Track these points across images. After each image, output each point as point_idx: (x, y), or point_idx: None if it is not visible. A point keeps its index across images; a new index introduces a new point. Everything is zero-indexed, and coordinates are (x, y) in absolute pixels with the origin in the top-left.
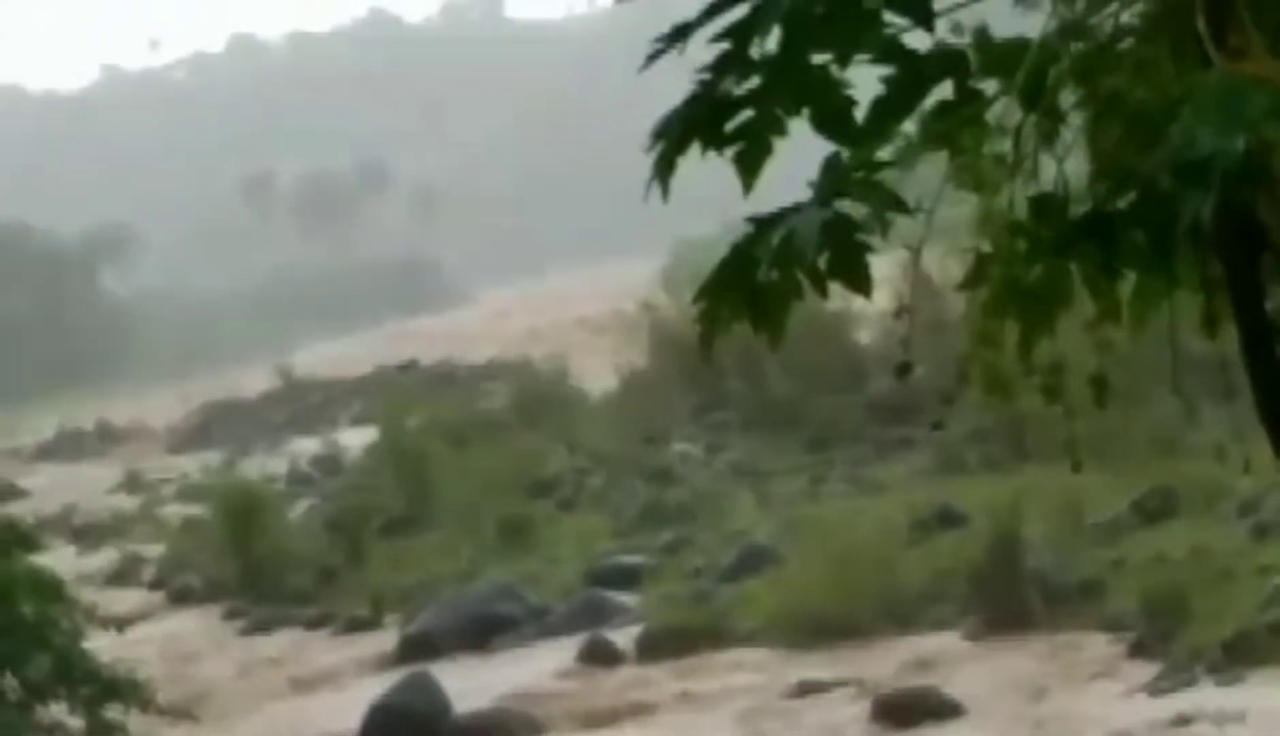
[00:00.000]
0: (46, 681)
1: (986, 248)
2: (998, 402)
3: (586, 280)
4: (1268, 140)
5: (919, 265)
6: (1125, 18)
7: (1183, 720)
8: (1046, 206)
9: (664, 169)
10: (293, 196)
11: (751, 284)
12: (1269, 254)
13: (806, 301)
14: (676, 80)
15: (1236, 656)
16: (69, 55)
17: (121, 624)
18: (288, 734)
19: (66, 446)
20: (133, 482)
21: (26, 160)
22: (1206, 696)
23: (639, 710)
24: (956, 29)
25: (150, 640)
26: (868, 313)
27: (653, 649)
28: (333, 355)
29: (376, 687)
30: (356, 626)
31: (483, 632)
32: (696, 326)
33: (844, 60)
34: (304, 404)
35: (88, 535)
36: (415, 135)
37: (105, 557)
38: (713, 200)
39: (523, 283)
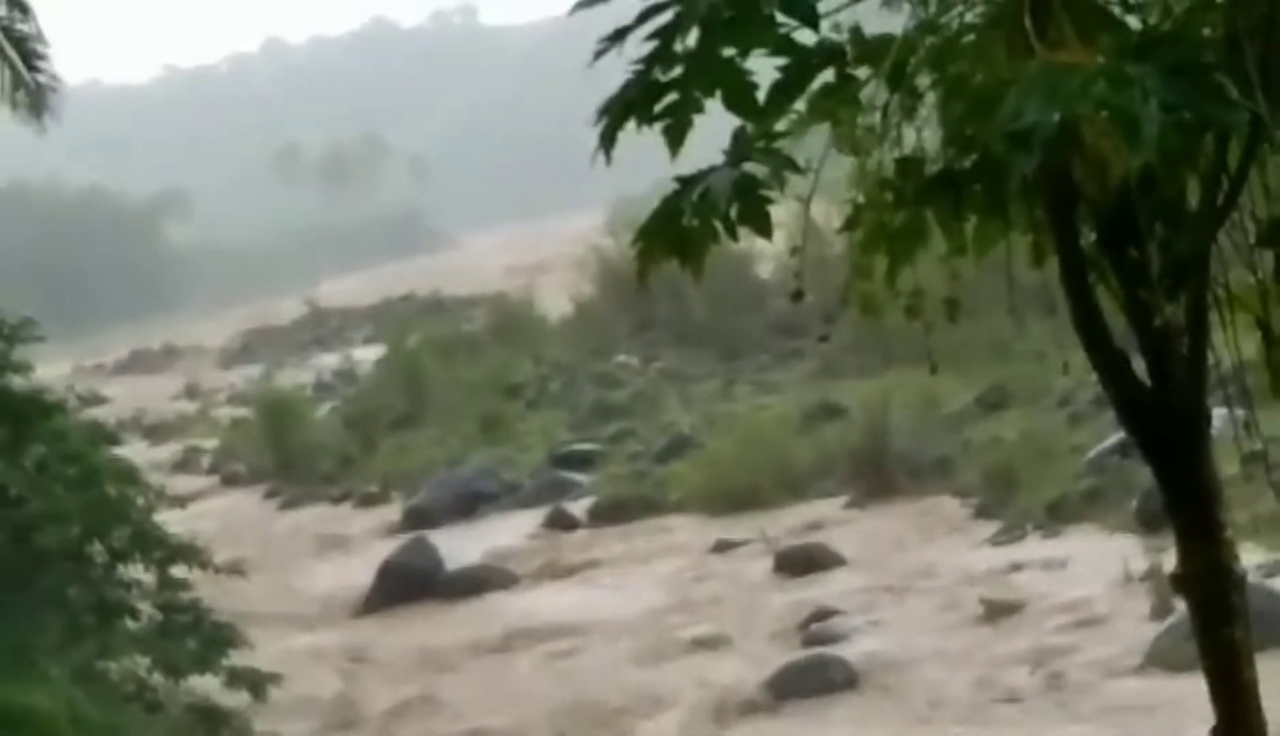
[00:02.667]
0: (126, 547)
1: (861, 199)
2: (870, 320)
3: (547, 229)
4: (1078, 113)
5: (808, 213)
6: (968, 17)
7: (1016, 566)
8: (908, 166)
9: (607, 140)
10: (314, 165)
11: (678, 229)
12: (1082, 202)
13: (720, 243)
14: (617, 72)
15: (1057, 516)
16: (135, 55)
17: (184, 501)
18: (316, 587)
19: (138, 364)
20: (191, 391)
21: (105, 141)
22: (1034, 547)
23: (591, 565)
24: (836, 27)
25: (207, 514)
26: (767, 251)
27: (601, 516)
28: (347, 289)
29: (386, 549)
30: (369, 501)
31: (468, 505)
32: (635, 263)
33: (747, 53)
34: (325, 328)
35: (156, 432)
36: (410, 117)
37: (170, 450)
38: (645, 165)
39: (495, 232)
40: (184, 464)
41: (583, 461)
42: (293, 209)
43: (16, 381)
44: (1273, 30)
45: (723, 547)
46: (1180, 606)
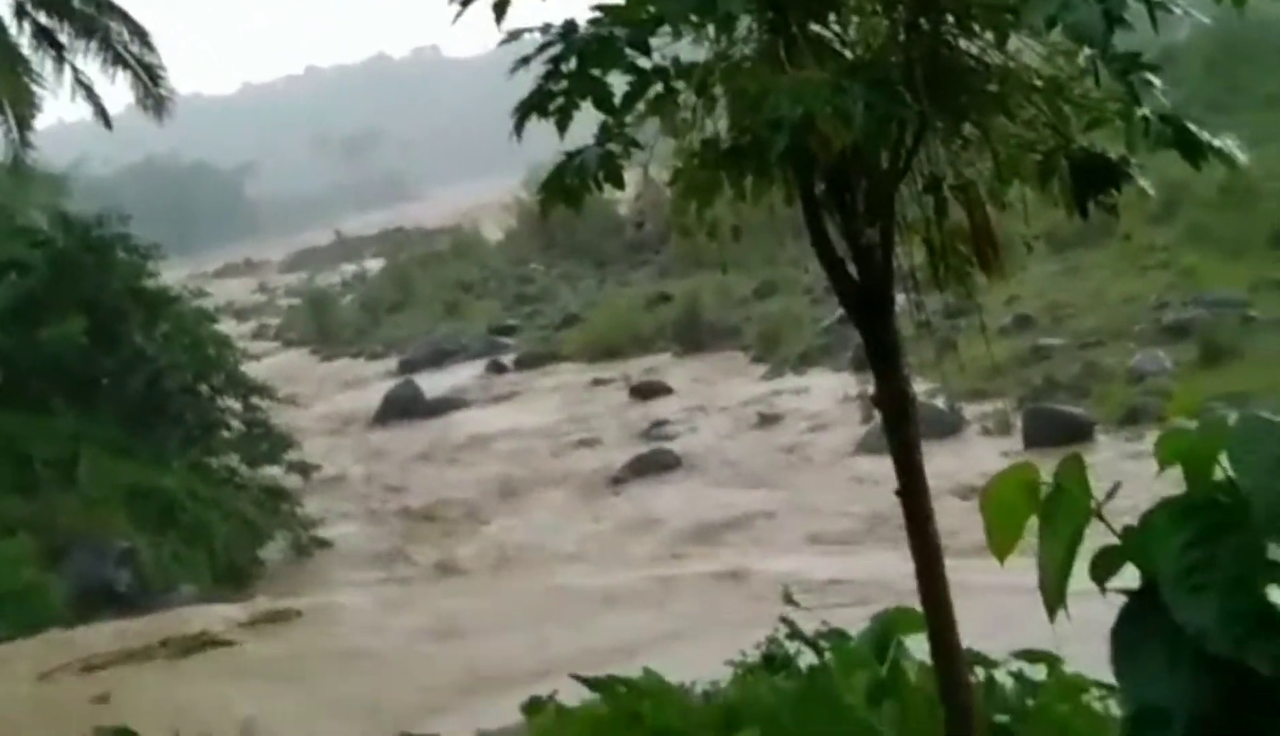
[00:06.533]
0: (222, 386)
1: (680, 165)
2: (687, 241)
3: (487, 186)
4: (813, 110)
5: (647, 173)
6: (746, 50)
7: (778, 393)
8: (708, 144)
9: (518, 127)
10: (337, 147)
11: (565, 185)
12: (816, 165)
13: (592, 193)
14: (528, 83)
15: (803, 362)
16: (222, 73)
17: (258, 357)
18: (342, 409)
19: (228, 272)
20: (262, 288)
21: (204, 131)
22: (789, 382)
23: (516, 394)
24: (663, 56)
25: (273, 365)
26: (623, 197)
27: (522, 364)
28: (361, 225)
29: (386, 386)
30: (376, 356)
31: (438, 358)
32: (540, 206)
33: (607, 72)
34: (347, 248)
35: (240, 314)
36: (399, 117)
37: (250, 325)
38: (546, 143)
39: (455, 188)
40: (258, 333)
41: (510, 331)
42: (325, 175)
43: (149, 283)
44: (934, 59)
45: (597, 383)
46: (877, 416)
